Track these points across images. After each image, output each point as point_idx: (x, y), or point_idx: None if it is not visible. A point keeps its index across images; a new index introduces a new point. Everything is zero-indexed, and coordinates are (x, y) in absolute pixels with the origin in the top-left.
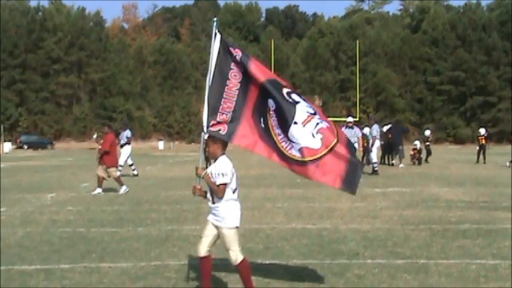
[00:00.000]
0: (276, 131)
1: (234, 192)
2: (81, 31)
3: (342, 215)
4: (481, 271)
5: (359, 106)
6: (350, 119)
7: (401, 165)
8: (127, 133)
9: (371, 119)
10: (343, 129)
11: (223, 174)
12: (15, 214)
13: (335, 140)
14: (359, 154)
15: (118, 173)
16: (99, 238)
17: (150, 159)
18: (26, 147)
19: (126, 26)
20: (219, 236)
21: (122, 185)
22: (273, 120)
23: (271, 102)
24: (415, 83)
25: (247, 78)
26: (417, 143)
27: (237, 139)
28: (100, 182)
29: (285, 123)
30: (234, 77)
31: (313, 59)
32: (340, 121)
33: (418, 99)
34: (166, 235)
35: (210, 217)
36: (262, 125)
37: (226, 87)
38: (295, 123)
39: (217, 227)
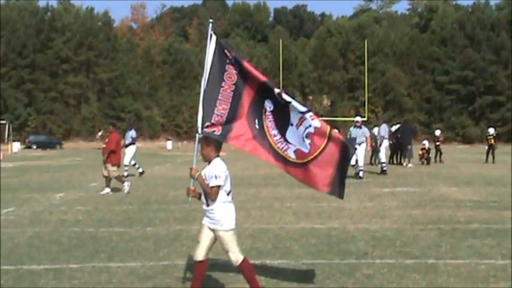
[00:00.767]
0: (272, 132)
1: (228, 194)
2: (90, 31)
3: (351, 215)
4: (490, 271)
5: (367, 106)
6: (358, 118)
7: (409, 165)
8: (132, 133)
9: (379, 118)
10: (351, 128)
11: (216, 177)
12: (24, 214)
13: (324, 144)
14: (367, 154)
15: (120, 173)
16: (108, 238)
17: (158, 159)
18: (34, 147)
19: (134, 25)
20: (215, 239)
21: (123, 182)
22: (268, 121)
23: (268, 103)
24: (424, 83)
25: (242, 80)
26: (426, 142)
27: (232, 139)
28: (108, 181)
29: (282, 124)
30: (229, 79)
31: (322, 58)
32: (348, 121)
33: (427, 98)
34: (175, 235)
35: (205, 220)
36: (257, 126)
37: (221, 89)
38: (291, 124)
39: (213, 230)
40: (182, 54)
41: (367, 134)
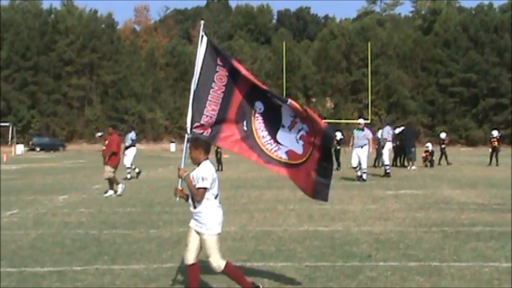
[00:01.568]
0: (260, 134)
1: (216, 197)
2: (93, 33)
3: (354, 217)
4: (494, 274)
5: (371, 108)
6: (361, 121)
7: (413, 168)
8: (132, 135)
9: (383, 121)
10: (354, 131)
11: (203, 179)
12: (28, 216)
13: (311, 147)
14: (371, 156)
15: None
16: (111, 240)
17: (162, 161)
18: (38, 149)
19: (137, 28)
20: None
21: (117, 183)
22: (258, 123)
23: (259, 104)
24: (427, 85)
25: (232, 81)
26: (429, 145)
27: (220, 140)
28: (112, 184)
29: (272, 126)
30: (220, 80)
31: (325, 60)
32: (352, 123)
33: (430, 101)
34: (178, 237)
35: (192, 223)
36: (245, 128)
37: (211, 90)
38: (283, 126)
39: (198, 233)
40: (185, 57)
41: (370, 136)
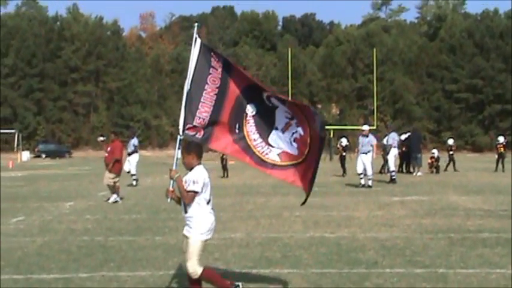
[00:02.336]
0: (251, 136)
1: (208, 203)
2: (99, 40)
3: (360, 224)
4: (500, 280)
5: (376, 114)
6: (365, 127)
7: (419, 174)
8: (134, 141)
9: (389, 127)
10: (359, 137)
11: (194, 182)
12: (34, 223)
13: (307, 149)
14: (373, 161)
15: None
16: (117, 247)
17: (167, 168)
18: (43, 155)
19: (143, 34)
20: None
21: (113, 193)
22: (249, 126)
23: (250, 107)
24: (433, 91)
25: (225, 83)
26: (435, 151)
27: (212, 143)
28: (117, 190)
29: (264, 128)
30: (213, 82)
31: (330, 67)
32: (357, 129)
33: (436, 107)
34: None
35: (184, 229)
36: (237, 131)
37: (204, 92)
38: (276, 128)
39: (187, 237)
40: None
41: (373, 142)
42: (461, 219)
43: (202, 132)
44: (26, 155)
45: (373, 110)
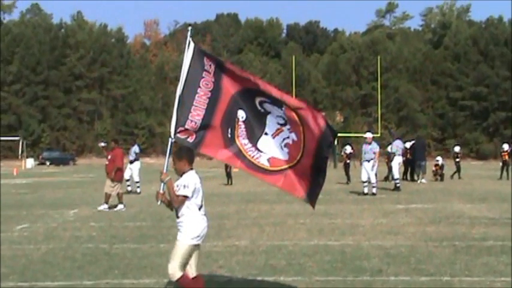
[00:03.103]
0: (242, 141)
1: (200, 209)
2: (103, 47)
3: (365, 232)
4: None
5: (381, 122)
6: (368, 135)
7: (423, 180)
8: (135, 149)
9: (393, 134)
10: (363, 145)
11: (185, 186)
12: (39, 230)
13: (300, 154)
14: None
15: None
16: (122, 254)
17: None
18: (48, 163)
19: (147, 42)
20: (197, 253)
21: (107, 201)
22: (240, 131)
23: (241, 113)
24: (437, 99)
25: (218, 87)
26: (439, 158)
27: (204, 147)
28: (120, 198)
29: (254, 134)
30: (206, 86)
31: (335, 74)
32: (361, 137)
33: (440, 114)
34: None
35: (177, 235)
36: (229, 135)
37: (196, 95)
38: (266, 134)
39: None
40: None
41: (376, 149)
42: (465, 227)
43: (194, 136)
44: (30, 162)
45: (378, 117)
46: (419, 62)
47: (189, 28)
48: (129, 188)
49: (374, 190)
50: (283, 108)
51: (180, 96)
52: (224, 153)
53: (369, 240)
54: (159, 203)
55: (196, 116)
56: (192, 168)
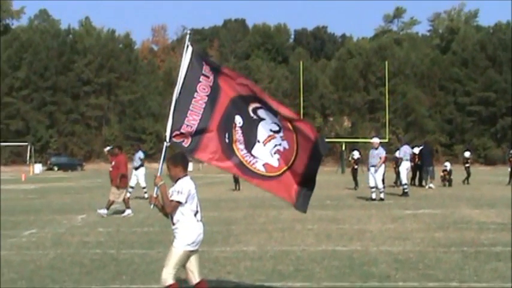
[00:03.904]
0: (239, 146)
1: (195, 215)
2: (111, 53)
3: (373, 237)
4: None
5: (388, 127)
6: (375, 139)
7: (431, 186)
8: (139, 154)
9: (401, 140)
10: (371, 150)
11: (178, 192)
12: (47, 235)
13: (291, 160)
14: (384, 173)
15: (128, 194)
16: (130, 260)
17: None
18: (56, 168)
19: (155, 47)
20: (197, 257)
21: (108, 208)
22: (238, 136)
23: (238, 118)
24: (445, 104)
25: (215, 92)
26: (447, 164)
27: (199, 153)
28: (127, 203)
29: (249, 140)
30: (203, 90)
31: (342, 80)
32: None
33: (448, 120)
34: None
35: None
36: (227, 140)
37: (193, 100)
38: (258, 141)
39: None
40: None
41: (382, 154)
42: (474, 232)
43: (189, 140)
44: (38, 168)
45: (385, 122)
46: (427, 67)
47: (188, 32)
48: (128, 195)
49: (382, 195)
50: (278, 116)
51: (176, 101)
52: (220, 158)
53: (377, 245)
54: (151, 206)
55: (192, 120)
56: (186, 175)
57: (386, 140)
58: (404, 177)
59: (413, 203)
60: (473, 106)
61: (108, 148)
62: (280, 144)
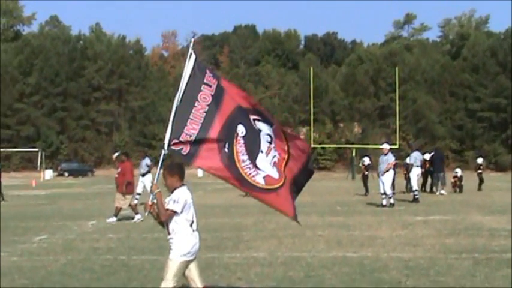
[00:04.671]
0: (241, 157)
1: (191, 225)
2: (121, 59)
3: (383, 243)
4: None
5: (399, 133)
6: (385, 145)
7: (443, 192)
8: (146, 161)
9: (412, 146)
10: (380, 156)
11: (175, 201)
12: (57, 241)
13: (284, 174)
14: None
15: (136, 201)
16: (140, 266)
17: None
18: (66, 174)
19: (165, 53)
20: (196, 265)
21: (116, 214)
22: (239, 147)
23: (241, 127)
24: (455, 110)
25: (216, 102)
26: (458, 170)
27: (198, 161)
28: (135, 209)
29: (253, 151)
30: (204, 99)
31: (352, 86)
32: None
33: (459, 126)
34: (207, 263)
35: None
36: (226, 150)
37: (193, 109)
38: (261, 151)
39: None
40: None
41: (390, 160)
42: (485, 239)
43: (188, 148)
44: (49, 174)
45: (396, 129)
46: (437, 74)
47: (192, 40)
48: (136, 201)
49: (391, 200)
50: (273, 127)
51: (176, 109)
52: (218, 167)
53: (387, 252)
54: (146, 213)
55: (191, 129)
56: (183, 184)
57: (397, 146)
58: (415, 183)
59: (424, 209)
60: (484, 112)
61: (116, 154)
62: (275, 156)
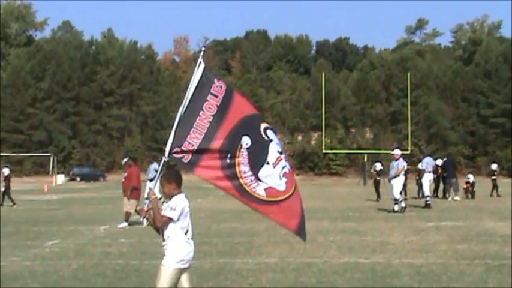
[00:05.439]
0: (242, 168)
1: (186, 233)
2: (133, 64)
3: (395, 249)
4: None
5: (410, 139)
6: (397, 151)
7: (456, 198)
8: (155, 166)
9: (424, 152)
10: (392, 162)
11: (172, 208)
12: (69, 246)
13: (294, 184)
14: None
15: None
16: (152, 271)
17: (201, 192)
18: (78, 179)
19: (177, 59)
20: (187, 271)
21: (126, 220)
22: (242, 158)
23: (246, 139)
24: (468, 116)
25: (222, 112)
26: (470, 176)
27: (199, 170)
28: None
29: (256, 162)
30: (209, 109)
31: (364, 91)
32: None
33: (471, 132)
34: (219, 268)
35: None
36: (228, 161)
37: (198, 118)
38: (268, 163)
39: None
40: None
41: (400, 165)
42: (498, 245)
43: (190, 157)
44: (61, 178)
45: (408, 134)
46: (449, 79)
47: (203, 49)
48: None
49: (403, 204)
50: (278, 138)
51: (180, 117)
52: (217, 176)
53: (399, 258)
54: (141, 219)
55: (194, 138)
56: (181, 192)
57: (409, 152)
58: (427, 189)
59: (436, 215)
60: (496, 118)
61: (124, 160)
62: (285, 166)
